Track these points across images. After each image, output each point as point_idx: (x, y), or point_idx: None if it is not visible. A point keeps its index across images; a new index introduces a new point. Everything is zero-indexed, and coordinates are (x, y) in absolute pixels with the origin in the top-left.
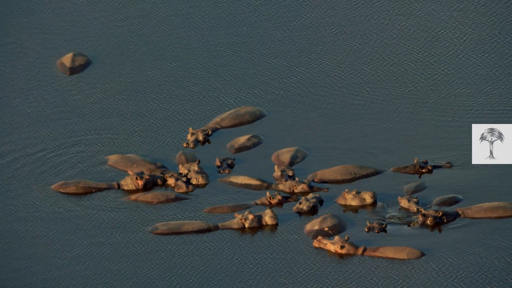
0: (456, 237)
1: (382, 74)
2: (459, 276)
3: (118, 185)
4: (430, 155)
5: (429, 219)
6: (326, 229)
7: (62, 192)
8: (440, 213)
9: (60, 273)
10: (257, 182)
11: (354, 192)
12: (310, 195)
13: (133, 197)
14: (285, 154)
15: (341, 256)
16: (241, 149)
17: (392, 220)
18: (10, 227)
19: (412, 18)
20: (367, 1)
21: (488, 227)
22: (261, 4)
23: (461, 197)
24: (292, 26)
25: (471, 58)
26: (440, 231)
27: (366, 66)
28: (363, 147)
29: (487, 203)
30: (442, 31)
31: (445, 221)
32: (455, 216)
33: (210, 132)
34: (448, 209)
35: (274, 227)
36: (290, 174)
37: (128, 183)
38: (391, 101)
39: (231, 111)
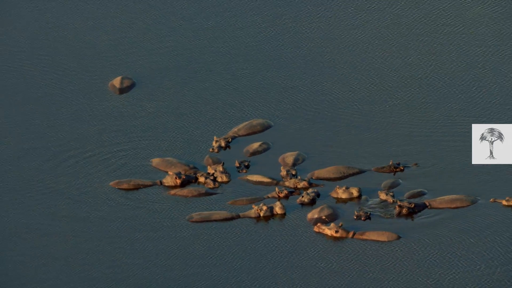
0: (425, 223)
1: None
2: (432, 253)
3: (160, 182)
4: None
5: (404, 209)
6: (324, 217)
7: (118, 188)
8: (413, 205)
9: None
10: (268, 180)
11: (344, 188)
12: (310, 190)
13: (172, 192)
14: (289, 157)
15: (335, 238)
16: (254, 153)
17: (374, 210)
18: (84, 212)
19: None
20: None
21: (450, 214)
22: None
23: (426, 191)
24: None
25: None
26: (412, 218)
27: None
28: (352, 151)
29: (447, 196)
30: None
31: (416, 210)
32: (424, 206)
33: (230, 140)
34: (417, 201)
35: (283, 215)
36: (293, 173)
37: (169, 181)
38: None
39: (245, 122)
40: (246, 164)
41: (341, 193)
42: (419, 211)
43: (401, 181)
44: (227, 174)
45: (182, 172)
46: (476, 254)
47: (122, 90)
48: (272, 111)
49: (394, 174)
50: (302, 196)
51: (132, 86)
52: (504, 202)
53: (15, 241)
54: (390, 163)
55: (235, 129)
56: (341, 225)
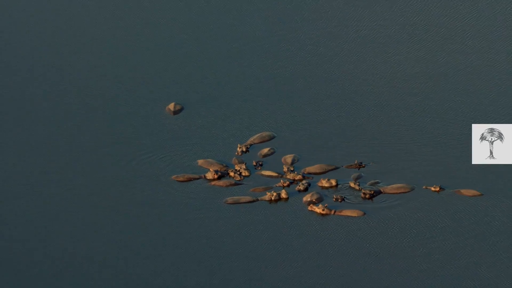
0: (382, 204)
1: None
2: (393, 225)
3: (204, 176)
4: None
5: (367, 195)
6: (314, 200)
7: (176, 180)
8: (373, 192)
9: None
10: (275, 174)
11: (326, 179)
12: (303, 181)
13: (212, 183)
14: (288, 158)
15: (322, 215)
16: (265, 156)
17: (347, 195)
18: (156, 199)
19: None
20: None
21: (399, 198)
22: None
23: (380, 181)
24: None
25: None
26: (372, 200)
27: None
28: (335, 154)
29: (395, 185)
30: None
31: (374, 195)
32: (379, 192)
33: (248, 147)
34: (375, 188)
35: (286, 199)
36: (291, 169)
37: (209, 175)
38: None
39: (258, 134)
40: (260, 163)
41: (324, 183)
42: (376, 195)
43: (363, 174)
44: (248, 170)
45: (218, 169)
46: (418, 223)
47: (175, 112)
48: (276, 125)
49: (358, 169)
50: (299, 186)
51: (181, 109)
52: (432, 189)
53: (114, 220)
54: (355, 162)
55: (251, 139)
56: (326, 206)
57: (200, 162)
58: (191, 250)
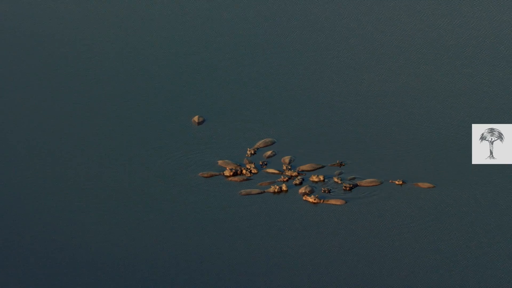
0: (361, 194)
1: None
2: (370, 211)
3: (223, 173)
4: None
5: (348, 188)
6: (307, 191)
7: (201, 176)
8: (352, 185)
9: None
10: (277, 171)
11: (316, 175)
12: (299, 177)
13: (229, 179)
14: (286, 159)
15: (314, 203)
16: (268, 157)
17: (332, 188)
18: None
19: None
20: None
21: (373, 189)
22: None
23: (356, 176)
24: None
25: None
26: (351, 191)
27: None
28: (329, 157)
29: (368, 179)
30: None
31: (352, 188)
32: (356, 185)
33: (256, 150)
34: (353, 182)
35: (286, 191)
36: (289, 167)
37: (227, 172)
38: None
39: (262, 140)
40: (265, 163)
41: (314, 178)
42: (354, 188)
43: (343, 171)
44: (256, 169)
45: (234, 168)
46: (390, 209)
47: (199, 123)
48: (276, 133)
49: (340, 167)
50: (295, 180)
51: (204, 121)
52: (397, 182)
53: (161, 211)
54: (337, 161)
55: (258, 144)
56: (317, 196)
57: (220, 162)
58: (214, 229)
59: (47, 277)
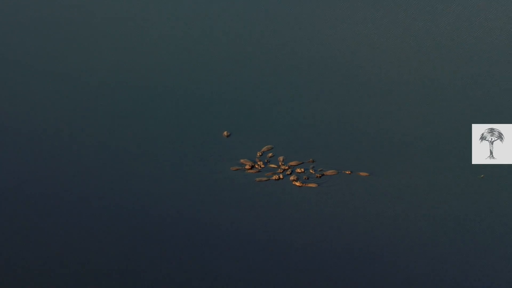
0: (325, 180)
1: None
2: (331, 190)
3: (244, 168)
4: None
5: (319, 176)
6: (295, 179)
7: (232, 170)
8: (321, 174)
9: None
10: (276, 166)
11: (299, 169)
12: (289, 170)
13: (247, 171)
14: (281, 158)
15: (299, 186)
16: (270, 157)
17: (309, 176)
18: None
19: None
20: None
21: (334, 177)
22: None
23: (322, 168)
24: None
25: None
26: (320, 178)
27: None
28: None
29: (330, 170)
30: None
31: (322, 176)
32: (322, 174)
33: (262, 152)
34: (321, 172)
35: (283, 178)
36: (283, 164)
37: (247, 167)
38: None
39: (266, 146)
40: (268, 161)
41: (298, 170)
42: (323, 176)
43: (314, 165)
44: (264, 164)
45: (250, 164)
46: (352, 191)
47: (227, 136)
48: (274, 142)
49: (313, 162)
50: (287, 172)
51: (230, 135)
52: (361, 174)
53: (214, 196)
54: (310, 159)
55: (263, 149)
56: (300, 182)
57: (242, 160)
58: (239, 197)
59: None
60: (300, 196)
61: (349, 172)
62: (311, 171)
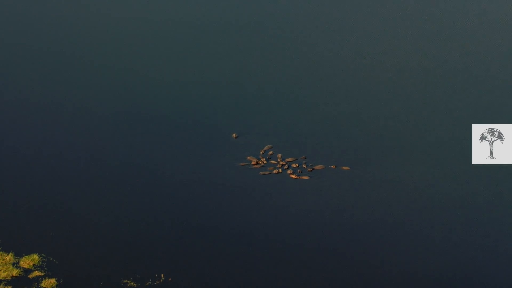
0: (314, 172)
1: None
2: (320, 180)
3: (251, 163)
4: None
5: (311, 170)
6: (291, 172)
7: (240, 165)
8: (312, 168)
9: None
10: (276, 162)
11: (294, 164)
12: (286, 165)
13: (253, 166)
14: (279, 155)
15: (294, 178)
16: (271, 154)
17: (302, 170)
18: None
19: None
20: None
21: (322, 170)
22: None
23: (312, 163)
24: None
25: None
26: (311, 171)
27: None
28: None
29: (318, 165)
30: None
31: (312, 170)
32: (313, 168)
33: (264, 151)
34: (311, 167)
35: (281, 172)
36: (281, 160)
37: (253, 163)
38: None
39: (267, 145)
40: (269, 157)
41: (293, 165)
42: (313, 170)
43: (305, 161)
44: (266, 160)
45: (255, 160)
46: (339, 182)
47: (236, 137)
48: (274, 142)
49: (304, 159)
50: (284, 166)
51: (238, 136)
52: (344, 168)
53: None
54: (302, 157)
55: (265, 148)
56: (295, 174)
57: (248, 157)
58: (246, 186)
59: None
60: (296, 187)
61: (334, 167)
62: (303, 165)
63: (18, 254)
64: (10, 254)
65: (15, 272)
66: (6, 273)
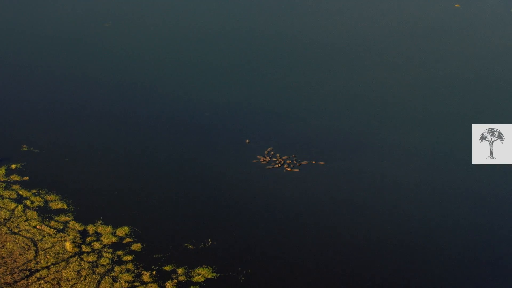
0: (303, 166)
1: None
2: (309, 173)
3: (260, 160)
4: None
5: (300, 164)
6: (287, 167)
7: (253, 162)
8: (300, 163)
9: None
10: (276, 159)
11: (289, 160)
12: (283, 161)
13: (262, 162)
14: (278, 154)
15: (289, 171)
16: (273, 154)
17: (294, 165)
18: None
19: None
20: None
21: (308, 165)
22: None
23: (300, 159)
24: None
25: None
26: (300, 165)
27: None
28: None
29: (304, 161)
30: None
31: (300, 165)
32: (301, 163)
33: (268, 151)
34: (300, 162)
35: (280, 167)
36: (279, 157)
37: (261, 160)
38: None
39: (269, 147)
40: (271, 156)
41: (288, 161)
42: (300, 165)
43: (295, 157)
44: (269, 159)
45: (263, 158)
46: (327, 175)
47: (248, 143)
48: (274, 144)
49: (294, 157)
50: (282, 162)
51: (250, 142)
52: (321, 163)
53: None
54: (293, 155)
55: (267, 149)
56: (290, 169)
57: (258, 156)
58: (254, 176)
59: None
60: (290, 176)
61: (322, 163)
62: (294, 161)
63: (115, 227)
64: (110, 226)
65: (114, 239)
66: (108, 239)
